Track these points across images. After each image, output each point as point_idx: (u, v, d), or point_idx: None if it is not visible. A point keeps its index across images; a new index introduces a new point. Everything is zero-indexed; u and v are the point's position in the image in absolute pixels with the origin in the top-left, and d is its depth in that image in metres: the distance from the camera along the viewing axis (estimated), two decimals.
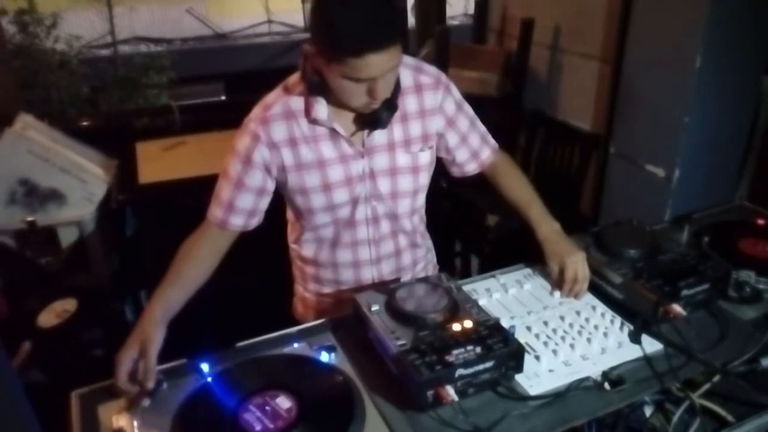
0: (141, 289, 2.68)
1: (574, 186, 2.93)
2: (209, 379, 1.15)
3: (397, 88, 1.34)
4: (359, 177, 1.41)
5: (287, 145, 1.36)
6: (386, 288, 1.31)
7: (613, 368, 1.18)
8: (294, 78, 1.39)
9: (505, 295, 1.42)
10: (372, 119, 1.34)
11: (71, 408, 1.12)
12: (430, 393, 1.06)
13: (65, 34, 5.51)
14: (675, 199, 2.37)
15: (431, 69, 1.46)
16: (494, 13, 3.49)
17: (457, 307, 1.23)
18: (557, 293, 1.41)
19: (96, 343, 2.11)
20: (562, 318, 1.33)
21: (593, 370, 1.17)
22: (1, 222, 2.27)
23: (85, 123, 2.96)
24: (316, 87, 1.31)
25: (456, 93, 1.48)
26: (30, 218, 2.26)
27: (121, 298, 2.59)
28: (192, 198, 2.83)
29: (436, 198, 2.88)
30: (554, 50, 3.03)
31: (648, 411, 1.14)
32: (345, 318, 1.35)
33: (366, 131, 1.38)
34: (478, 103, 3.46)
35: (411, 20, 3.53)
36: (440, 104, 1.45)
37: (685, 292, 1.30)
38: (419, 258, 1.63)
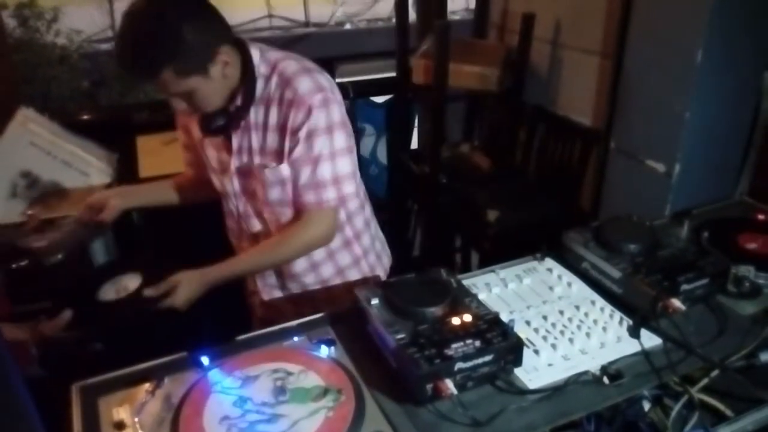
0: None
1: (575, 181, 2.92)
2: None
3: (249, 99, 1.45)
4: (222, 168, 1.61)
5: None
6: (386, 282, 1.31)
7: (611, 362, 1.18)
8: None
9: (505, 290, 1.42)
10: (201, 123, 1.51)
11: (72, 401, 1.12)
12: (429, 386, 1.06)
13: (66, 29, 5.50)
14: (675, 195, 2.37)
15: (304, 85, 1.41)
16: (495, 7, 3.48)
17: (456, 301, 1.23)
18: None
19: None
20: (561, 312, 1.33)
21: (592, 364, 1.18)
22: (2, 215, 2.27)
23: (85, 117, 2.95)
24: None
25: (317, 120, 1.41)
26: (30, 211, 2.26)
27: None
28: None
29: (436, 193, 2.90)
30: (555, 45, 3.03)
31: (646, 405, 1.14)
32: (344, 311, 1.36)
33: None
34: (479, 98, 3.47)
35: (412, 15, 3.50)
36: (298, 124, 1.42)
37: (684, 287, 1.30)
38: (318, 263, 1.67)
